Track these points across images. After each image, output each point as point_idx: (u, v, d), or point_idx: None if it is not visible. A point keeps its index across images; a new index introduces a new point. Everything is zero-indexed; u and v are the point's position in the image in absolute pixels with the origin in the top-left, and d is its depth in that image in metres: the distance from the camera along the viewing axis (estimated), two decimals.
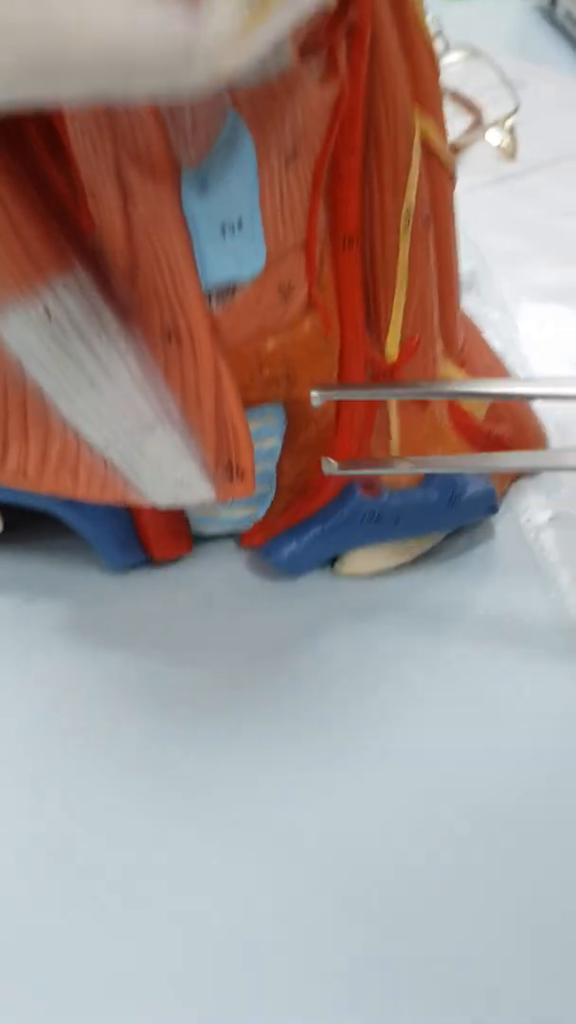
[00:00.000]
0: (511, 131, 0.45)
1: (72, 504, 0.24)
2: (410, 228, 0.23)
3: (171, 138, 0.18)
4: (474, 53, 0.50)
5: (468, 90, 0.49)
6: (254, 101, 0.18)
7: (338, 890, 0.19)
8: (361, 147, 0.21)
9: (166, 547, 0.25)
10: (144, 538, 0.25)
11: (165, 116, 0.18)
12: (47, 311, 0.20)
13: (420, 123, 0.22)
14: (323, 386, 0.22)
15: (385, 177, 0.22)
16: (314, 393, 0.23)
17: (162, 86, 0.13)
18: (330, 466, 0.23)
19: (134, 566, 0.25)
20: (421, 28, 0.22)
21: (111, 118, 0.18)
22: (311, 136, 0.20)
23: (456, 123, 0.47)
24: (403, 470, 0.24)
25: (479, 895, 0.19)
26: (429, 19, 0.49)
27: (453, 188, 0.24)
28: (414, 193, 0.22)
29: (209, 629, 0.24)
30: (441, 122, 0.23)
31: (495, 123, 0.46)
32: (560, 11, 0.58)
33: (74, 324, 0.20)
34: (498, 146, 0.45)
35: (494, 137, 0.46)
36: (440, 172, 0.23)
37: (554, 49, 0.57)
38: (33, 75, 0.12)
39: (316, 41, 0.19)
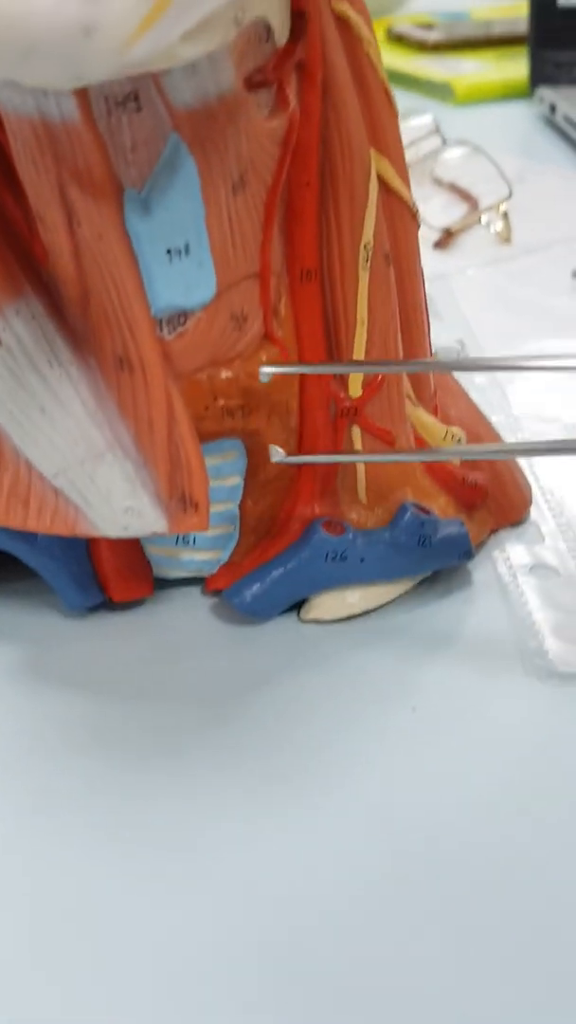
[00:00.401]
0: (505, 217, 0.46)
1: (28, 541, 0.24)
2: (369, 264, 0.23)
3: (111, 157, 0.18)
4: (474, 150, 0.52)
5: (466, 182, 0.50)
6: (195, 124, 0.19)
7: (299, 934, 0.18)
8: (316, 182, 0.22)
9: (125, 588, 0.24)
10: (103, 578, 0.24)
11: (104, 134, 0.18)
12: None
13: (377, 162, 0.23)
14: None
15: (342, 212, 0.22)
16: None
17: (65, 68, 0.13)
18: (277, 454, 0.22)
19: (93, 608, 0.25)
20: (377, 72, 0.22)
21: (51, 137, 0.18)
22: (259, 167, 0.20)
23: (453, 211, 0.48)
24: (356, 458, 0.23)
25: (447, 935, 0.18)
26: (427, 118, 0.51)
27: (417, 228, 0.24)
28: (372, 229, 0.23)
29: (169, 674, 0.24)
30: (400, 162, 0.23)
31: (490, 208, 0.47)
32: (559, 116, 0.61)
33: (25, 351, 0.20)
34: (493, 231, 0.46)
35: (489, 222, 0.47)
36: (401, 210, 0.24)
37: (554, 150, 0.59)
38: None
39: (264, 75, 0.20)
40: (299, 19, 0.20)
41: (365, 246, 0.22)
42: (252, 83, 0.20)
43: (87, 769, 0.21)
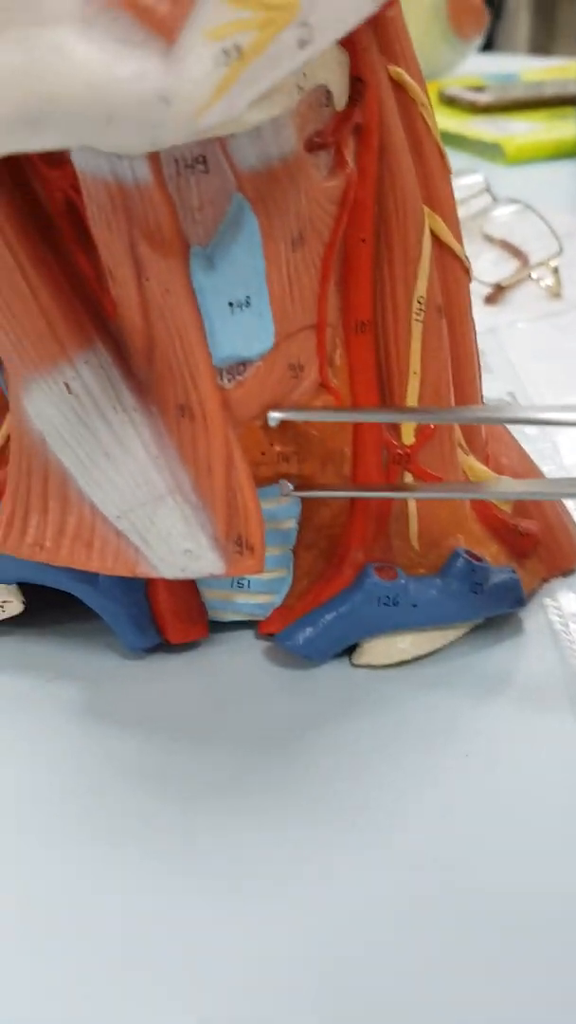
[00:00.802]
0: (556, 272, 0.47)
1: (90, 582, 0.24)
2: (422, 316, 0.23)
3: (180, 217, 0.19)
4: (524, 208, 0.53)
5: (516, 239, 0.51)
6: (258, 186, 0.20)
7: (352, 969, 0.18)
8: (372, 238, 0.22)
9: (182, 630, 0.25)
10: (160, 620, 0.25)
11: (174, 196, 0.19)
12: (67, 386, 0.21)
13: (431, 219, 0.23)
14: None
15: (396, 267, 0.23)
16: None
17: (143, 132, 0.14)
18: (286, 488, 0.23)
19: (150, 648, 0.25)
20: (431, 133, 0.23)
21: (124, 198, 0.19)
22: (318, 224, 0.21)
23: (504, 267, 0.49)
24: (372, 494, 0.24)
25: (495, 978, 0.17)
26: (478, 177, 0.53)
27: (469, 281, 0.25)
28: (425, 283, 0.23)
29: (222, 716, 0.24)
30: (453, 219, 0.24)
31: (541, 264, 0.47)
32: None
33: (92, 398, 0.21)
34: (544, 286, 0.47)
35: (540, 278, 0.47)
36: (454, 265, 0.24)
37: None
38: (22, 122, 0.14)
39: (323, 138, 0.21)
40: (357, 84, 0.21)
41: (418, 299, 0.23)
42: (312, 145, 0.21)
43: (143, 807, 0.22)
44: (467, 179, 0.52)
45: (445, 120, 0.73)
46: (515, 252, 0.49)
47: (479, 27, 0.86)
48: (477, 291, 0.47)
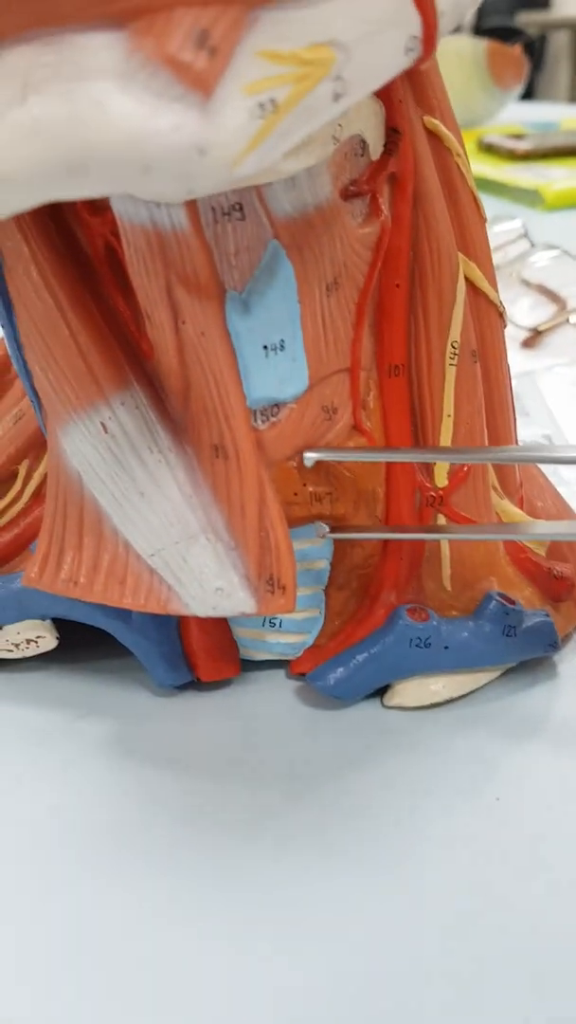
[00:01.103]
0: None
1: (123, 619, 0.25)
2: (457, 360, 0.24)
3: (216, 262, 0.20)
4: (562, 253, 0.53)
5: (554, 284, 0.51)
6: (293, 233, 0.20)
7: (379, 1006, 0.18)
8: (406, 283, 0.23)
9: (213, 669, 0.25)
10: (192, 658, 0.25)
11: (211, 242, 0.20)
12: (104, 426, 0.22)
13: (465, 266, 0.24)
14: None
15: (430, 312, 0.23)
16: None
17: (180, 182, 0.15)
18: (321, 529, 0.23)
19: (181, 686, 0.25)
20: (466, 181, 0.24)
21: (162, 243, 0.20)
22: (352, 270, 0.22)
23: (541, 311, 0.49)
24: (401, 536, 0.24)
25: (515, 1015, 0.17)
26: (516, 223, 0.53)
27: (503, 326, 0.25)
28: (459, 328, 0.23)
29: (252, 754, 0.24)
30: (487, 265, 0.24)
31: None
32: None
33: (128, 438, 0.22)
34: None
35: None
36: (489, 310, 0.25)
37: None
38: (64, 170, 0.14)
39: (359, 186, 0.21)
40: (393, 134, 0.22)
41: (452, 344, 0.23)
42: (347, 193, 0.21)
43: (170, 842, 0.22)
44: (505, 225, 0.52)
45: (484, 167, 0.73)
46: (553, 297, 0.49)
47: (518, 77, 0.87)
48: (514, 335, 0.47)
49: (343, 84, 0.16)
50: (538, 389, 0.42)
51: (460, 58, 0.82)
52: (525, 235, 0.52)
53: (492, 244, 0.51)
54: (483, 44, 0.84)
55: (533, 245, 0.52)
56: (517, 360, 0.45)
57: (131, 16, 0.14)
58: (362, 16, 0.15)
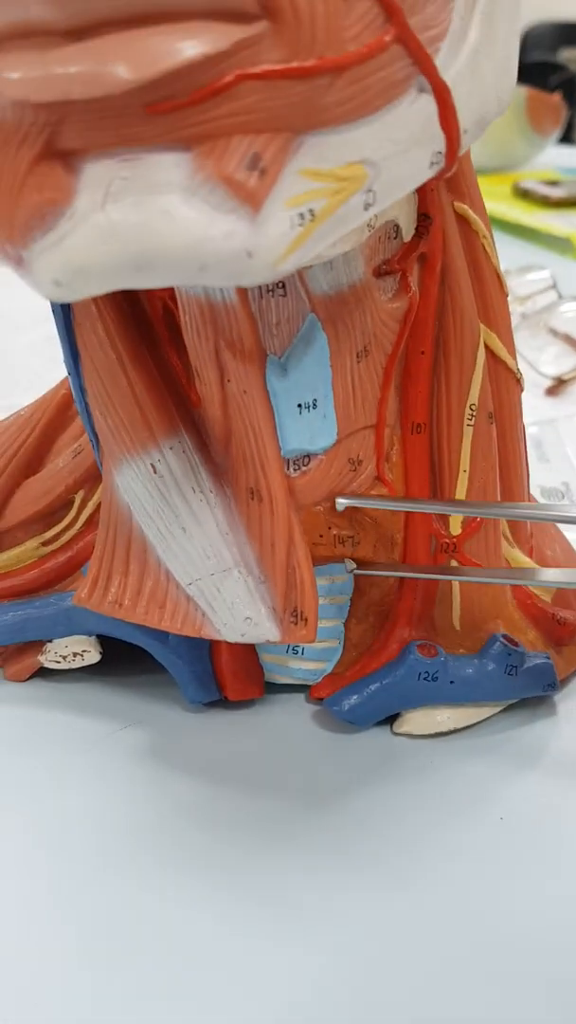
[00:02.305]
0: None
1: (161, 640, 0.27)
2: (474, 421, 0.26)
3: (260, 331, 0.22)
4: None
5: None
6: (329, 307, 0.23)
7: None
8: (431, 350, 0.25)
9: (240, 689, 0.28)
10: (221, 679, 0.27)
11: (256, 314, 0.22)
12: (153, 467, 0.24)
13: (485, 335, 0.26)
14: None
15: (452, 377, 0.25)
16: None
17: (230, 278, 0.17)
18: (349, 565, 0.26)
19: (210, 704, 0.28)
20: (490, 260, 0.26)
21: (213, 313, 0.22)
22: (381, 339, 0.24)
23: (566, 361, 0.51)
24: (419, 575, 0.26)
25: None
26: (545, 274, 0.55)
27: (520, 391, 0.27)
28: (477, 392, 0.26)
29: (272, 771, 0.26)
30: (507, 336, 0.27)
31: None
32: None
33: (175, 479, 0.24)
34: None
35: None
36: (507, 376, 0.27)
37: None
38: (133, 267, 0.17)
39: (391, 266, 0.24)
40: (424, 219, 0.24)
41: (471, 406, 0.26)
42: (380, 272, 0.24)
43: (195, 845, 0.24)
44: (535, 275, 0.54)
45: (518, 212, 0.76)
46: None
47: (557, 123, 0.89)
48: (538, 383, 0.49)
49: (373, 195, 0.18)
50: (559, 436, 0.44)
51: None
52: (554, 286, 0.54)
53: (521, 293, 0.53)
54: (523, 91, 0.87)
55: (561, 296, 0.54)
56: (540, 407, 0.47)
57: (196, 141, 0.17)
58: (391, 137, 0.18)
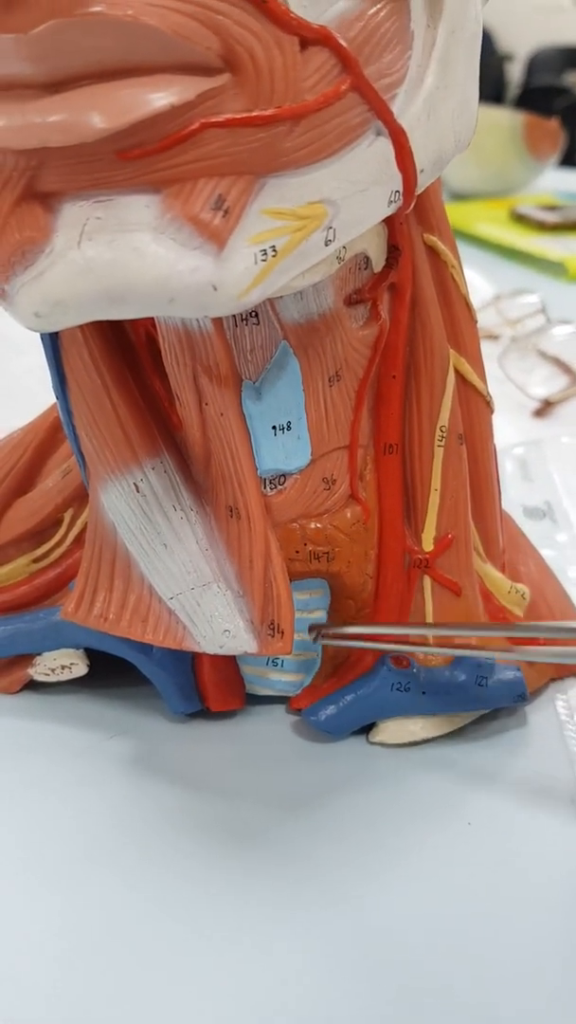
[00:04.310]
0: None
1: (145, 652, 0.28)
2: (444, 442, 0.27)
3: (235, 358, 0.24)
4: None
5: (568, 356, 0.55)
6: (300, 335, 0.24)
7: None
8: (402, 374, 0.26)
9: (221, 700, 0.29)
10: (203, 690, 0.29)
11: (231, 342, 0.24)
12: (136, 486, 0.25)
13: (455, 360, 0.27)
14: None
15: (423, 400, 0.27)
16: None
17: (198, 310, 0.18)
18: (311, 634, 0.27)
19: (193, 714, 0.29)
20: (459, 288, 0.27)
21: (191, 340, 0.23)
22: (353, 364, 0.25)
23: (555, 383, 0.53)
24: (387, 647, 0.27)
25: None
26: (534, 298, 0.56)
27: (490, 413, 0.29)
28: (448, 414, 0.27)
29: (251, 778, 0.27)
30: (477, 360, 0.28)
31: None
32: None
33: (156, 497, 0.26)
34: None
35: None
36: (476, 399, 0.28)
37: None
38: (107, 300, 0.18)
39: (361, 295, 0.25)
40: (394, 250, 0.26)
41: (441, 427, 0.27)
42: (351, 301, 0.25)
43: (179, 849, 0.25)
44: (524, 299, 0.56)
45: (514, 236, 0.77)
46: (566, 369, 0.53)
47: (554, 148, 0.91)
48: (526, 404, 0.50)
49: (333, 232, 0.19)
50: (544, 457, 0.45)
51: (497, 130, 0.86)
52: (542, 310, 0.55)
53: (512, 316, 0.54)
54: (520, 117, 0.89)
55: (549, 321, 0.55)
56: (527, 428, 0.48)
57: (165, 184, 0.18)
58: (350, 178, 0.19)
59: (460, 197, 0.93)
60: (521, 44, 2.83)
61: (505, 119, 0.87)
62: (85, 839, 0.25)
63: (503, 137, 0.86)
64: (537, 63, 2.85)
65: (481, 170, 0.90)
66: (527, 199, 0.90)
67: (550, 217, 0.80)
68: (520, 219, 0.83)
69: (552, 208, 0.83)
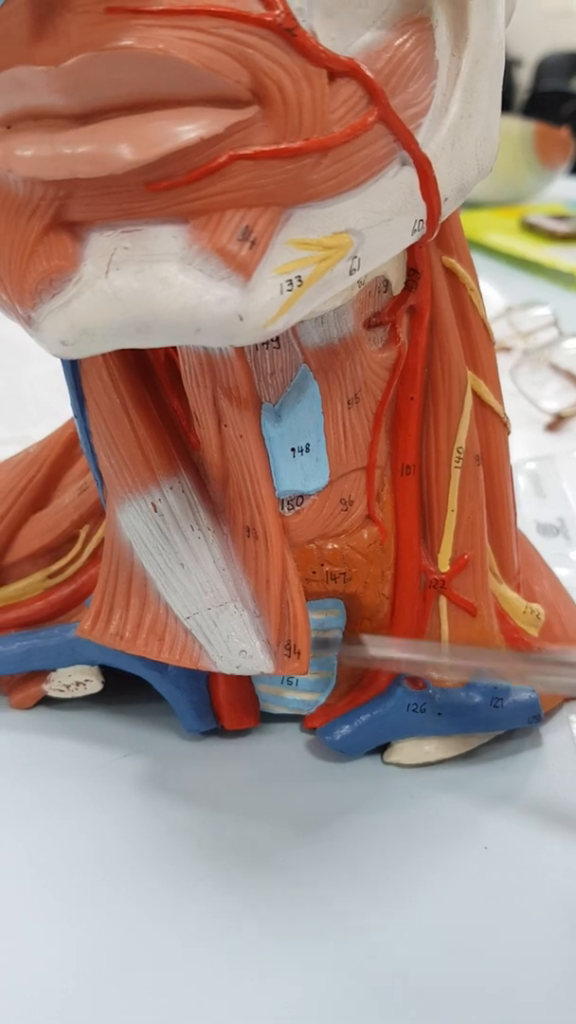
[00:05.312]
0: None
1: (160, 671, 0.28)
2: (462, 463, 0.27)
3: (255, 380, 0.24)
4: None
5: None
6: (320, 358, 0.24)
7: None
8: (420, 396, 0.26)
9: (236, 719, 0.29)
10: (217, 708, 0.29)
11: (251, 365, 0.24)
12: (154, 505, 0.26)
13: (473, 382, 0.27)
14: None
15: (440, 421, 0.27)
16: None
17: (224, 339, 0.19)
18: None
19: (207, 732, 0.29)
20: (477, 311, 0.27)
21: (211, 363, 0.24)
22: (372, 386, 0.25)
23: (567, 396, 0.53)
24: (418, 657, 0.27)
25: None
26: (546, 311, 0.56)
27: (507, 434, 0.29)
28: (465, 436, 0.27)
29: (266, 797, 0.27)
30: (494, 382, 0.28)
31: None
32: None
33: (174, 517, 0.26)
34: None
35: None
36: (494, 421, 0.28)
37: None
38: (133, 329, 0.18)
39: (380, 318, 0.25)
40: (413, 274, 0.26)
41: (458, 449, 0.27)
42: (370, 324, 0.25)
43: (192, 868, 0.25)
44: (536, 311, 0.56)
45: (524, 246, 0.77)
46: None
47: (565, 157, 0.91)
48: (538, 419, 0.50)
49: (358, 261, 0.19)
50: (557, 472, 0.45)
51: (507, 138, 0.86)
52: (555, 323, 0.55)
53: (524, 328, 0.54)
54: (531, 125, 0.89)
55: (562, 333, 0.55)
56: (539, 443, 0.48)
57: (192, 215, 0.18)
58: (375, 208, 0.19)
59: (469, 206, 0.93)
60: (530, 49, 2.83)
61: (515, 127, 0.87)
62: (96, 857, 0.25)
63: (513, 145, 0.86)
64: (545, 68, 2.85)
65: (491, 178, 0.90)
66: (537, 208, 0.90)
67: (561, 227, 0.80)
68: (530, 228, 0.83)
69: (563, 218, 0.84)
